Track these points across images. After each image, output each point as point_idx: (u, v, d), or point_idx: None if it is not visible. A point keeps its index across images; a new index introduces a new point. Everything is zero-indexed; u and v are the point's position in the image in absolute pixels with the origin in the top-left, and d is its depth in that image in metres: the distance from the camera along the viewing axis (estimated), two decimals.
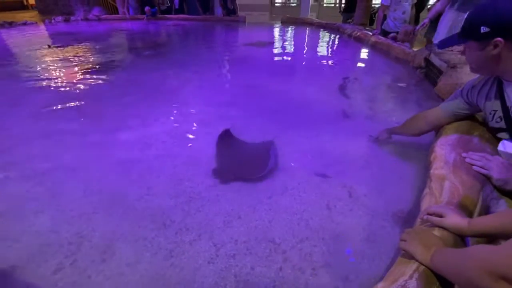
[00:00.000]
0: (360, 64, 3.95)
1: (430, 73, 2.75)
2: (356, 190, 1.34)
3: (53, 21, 7.67)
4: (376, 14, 4.58)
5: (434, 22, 3.15)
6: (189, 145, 1.78)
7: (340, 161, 1.58)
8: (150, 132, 1.92)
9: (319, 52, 4.67)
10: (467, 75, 1.97)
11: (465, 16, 1.11)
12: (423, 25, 3.29)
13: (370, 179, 1.42)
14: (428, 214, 0.90)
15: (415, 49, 3.46)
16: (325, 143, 1.76)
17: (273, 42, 5.76)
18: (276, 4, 10.63)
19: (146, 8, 7.83)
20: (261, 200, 1.30)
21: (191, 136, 1.89)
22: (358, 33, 5.11)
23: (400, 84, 2.84)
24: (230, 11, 7.75)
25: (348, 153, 1.65)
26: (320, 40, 5.70)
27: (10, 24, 6.92)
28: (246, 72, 3.42)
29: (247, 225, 1.16)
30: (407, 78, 2.98)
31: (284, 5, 10.65)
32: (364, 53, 4.44)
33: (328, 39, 5.68)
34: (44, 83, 2.91)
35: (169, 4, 8.44)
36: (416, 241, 0.79)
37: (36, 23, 7.48)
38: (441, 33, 2.85)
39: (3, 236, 1.11)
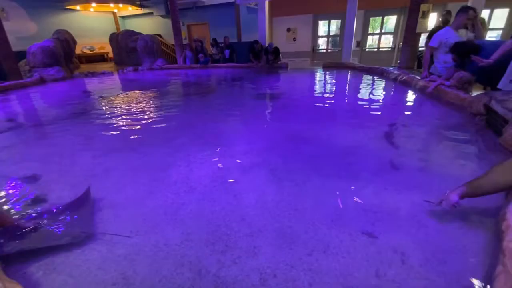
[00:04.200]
0: (408, 110, 3.78)
1: (492, 121, 2.50)
2: (410, 256, 1.19)
3: (124, 70, 9.25)
4: (423, 57, 4.44)
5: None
6: (228, 190, 1.82)
7: (389, 219, 1.44)
8: (195, 175, 2.02)
9: (362, 97, 4.62)
10: None
11: None
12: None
13: (426, 244, 1.25)
14: None
15: (472, 94, 3.22)
16: (371, 197, 1.64)
17: (314, 87, 5.93)
18: (318, 51, 11.14)
19: (200, 55, 9.15)
20: (300, 257, 1.23)
21: (231, 181, 1.93)
22: (404, 77, 5.01)
23: (456, 133, 2.60)
24: (272, 61, 8.42)
25: (398, 210, 1.51)
26: (363, 85, 5.68)
27: (93, 74, 8.55)
28: (287, 117, 3.52)
29: (284, 285, 1.09)
30: (465, 126, 2.73)
31: (326, 51, 11.09)
32: (411, 97, 4.28)
33: (371, 84, 5.64)
34: (110, 124, 3.37)
35: (221, 54, 9.61)
36: None
37: (112, 72, 9.02)
38: (507, 78, 2.82)
39: (60, 269, 1.22)
